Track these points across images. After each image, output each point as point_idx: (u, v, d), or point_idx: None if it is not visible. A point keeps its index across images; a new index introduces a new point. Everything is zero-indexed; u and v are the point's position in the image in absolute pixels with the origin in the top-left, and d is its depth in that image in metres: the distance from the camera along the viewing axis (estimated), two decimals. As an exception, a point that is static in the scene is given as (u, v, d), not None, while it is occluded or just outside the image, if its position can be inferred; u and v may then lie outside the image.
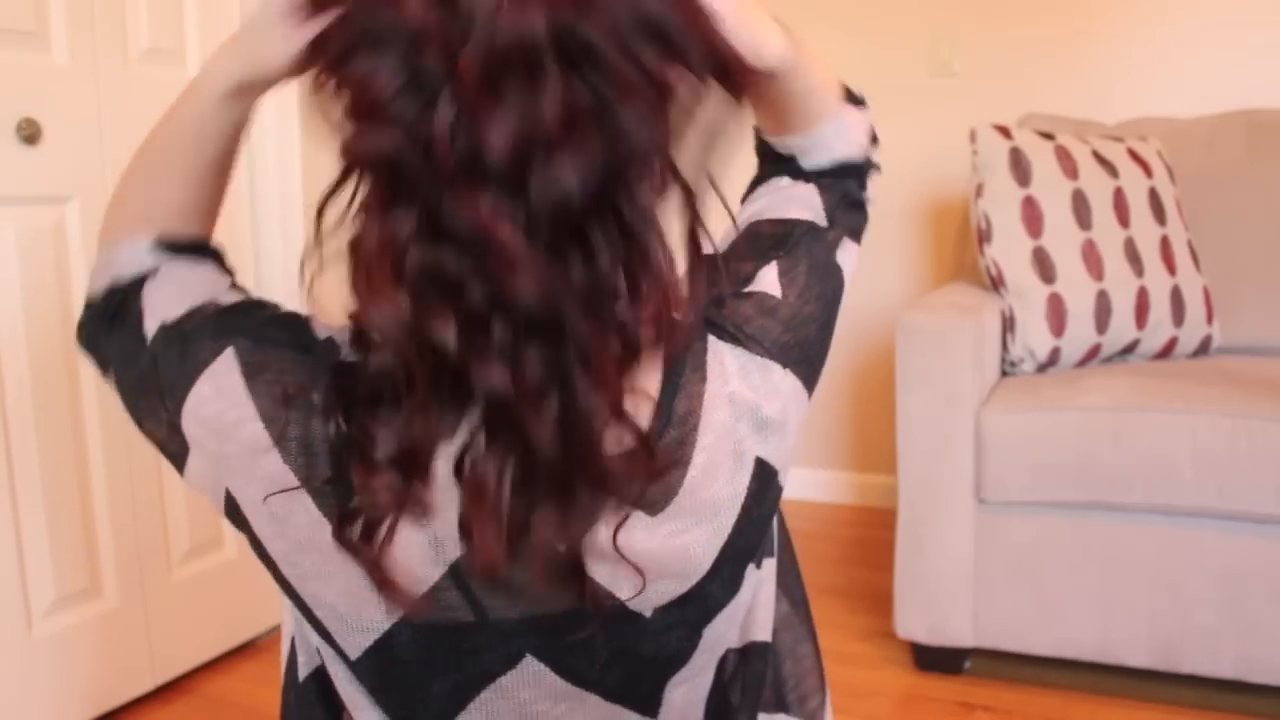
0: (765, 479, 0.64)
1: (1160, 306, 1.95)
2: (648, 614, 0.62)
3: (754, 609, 0.71)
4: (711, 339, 0.64)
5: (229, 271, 0.73)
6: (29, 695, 1.63)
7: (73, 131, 1.67)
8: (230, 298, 0.67)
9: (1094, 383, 1.77)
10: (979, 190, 1.97)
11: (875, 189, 0.80)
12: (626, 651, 0.63)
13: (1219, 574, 1.66)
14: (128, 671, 1.80)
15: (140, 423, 0.66)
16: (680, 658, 0.65)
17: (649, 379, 0.61)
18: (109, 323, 0.68)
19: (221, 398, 0.60)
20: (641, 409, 0.60)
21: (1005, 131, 1.97)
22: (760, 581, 0.71)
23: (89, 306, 0.70)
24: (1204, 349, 2.03)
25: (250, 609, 2.06)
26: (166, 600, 1.86)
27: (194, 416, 0.61)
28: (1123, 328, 1.93)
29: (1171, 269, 1.98)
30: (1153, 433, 1.65)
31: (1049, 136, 1.99)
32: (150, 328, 0.65)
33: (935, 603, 1.80)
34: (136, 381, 0.65)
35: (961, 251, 2.43)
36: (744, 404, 0.63)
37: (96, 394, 1.72)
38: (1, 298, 1.58)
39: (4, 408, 1.59)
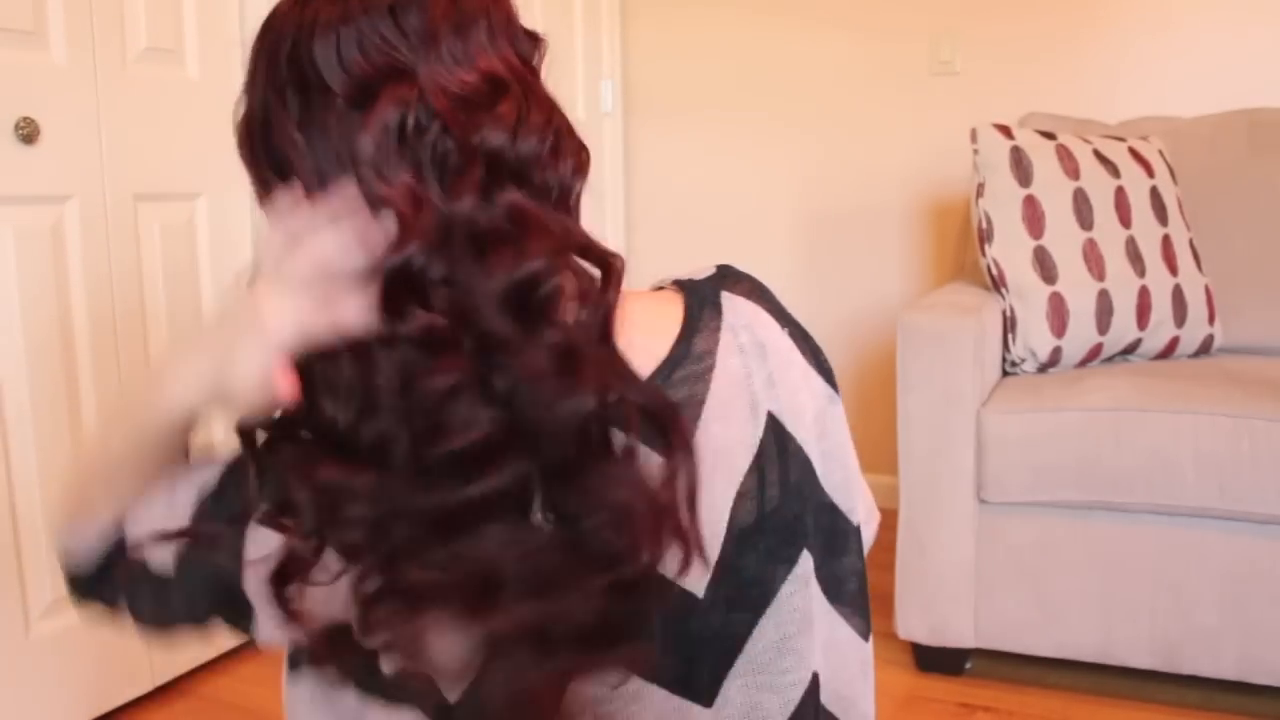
0: (781, 439, 0.65)
1: (1162, 306, 1.95)
2: (699, 593, 0.62)
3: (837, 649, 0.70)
4: (728, 295, 0.68)
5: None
6: (28, 696, 1.63)
7: (71, 131, 1.66)
8: (205, 479, 0.68)
9: (1095, 383, 1.76)
10: (980, 190, 1.97)
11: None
12: (681, 636, 0.63)
13: (1221, 574, 1.65)
14: (127, 672, 1.79)
15: (200, 623, 0.68)
16: (732, 642, 0.64)
17: (669, 316, 0.66)
18: (107, 576, 0.68)
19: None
20: (658, 344, 0.64)
21: (1006, 131, 1.97)
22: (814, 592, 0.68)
23: (74, 579, 0.69)
24: (1206, 349, 2.03)
25: (250, 609, 2.06)
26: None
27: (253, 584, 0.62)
28: (1124, 327, 1.93)
29: (1173, 269, 1.98)
30: (1154, 433, 1.65)
31: (1050, 136, 1.99)
32: (160, 558, 0.66)
33: (936, 603, 1.80)
34: (182, 601, 0.66)
35: (962, 251, 2.43)
36: (754, 355, 0.66)
37: (95, 394, 1.72)
38: (0, 297, 1.58)
39: (2, 408, 1.58)
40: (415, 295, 0.55)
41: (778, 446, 0.65)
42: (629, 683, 0.62)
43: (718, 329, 0.66)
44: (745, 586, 0.64)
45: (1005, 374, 1.97)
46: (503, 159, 0.57)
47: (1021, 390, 1.80)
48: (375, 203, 0.55)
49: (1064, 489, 1.71)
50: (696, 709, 0.64)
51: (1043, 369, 1.93)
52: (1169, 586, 1.68)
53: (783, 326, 0.69)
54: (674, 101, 2.86)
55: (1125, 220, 1.96)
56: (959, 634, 1.80)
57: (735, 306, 0.68)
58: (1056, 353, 1.91)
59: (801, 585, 0.67)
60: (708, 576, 0.62)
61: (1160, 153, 2.07)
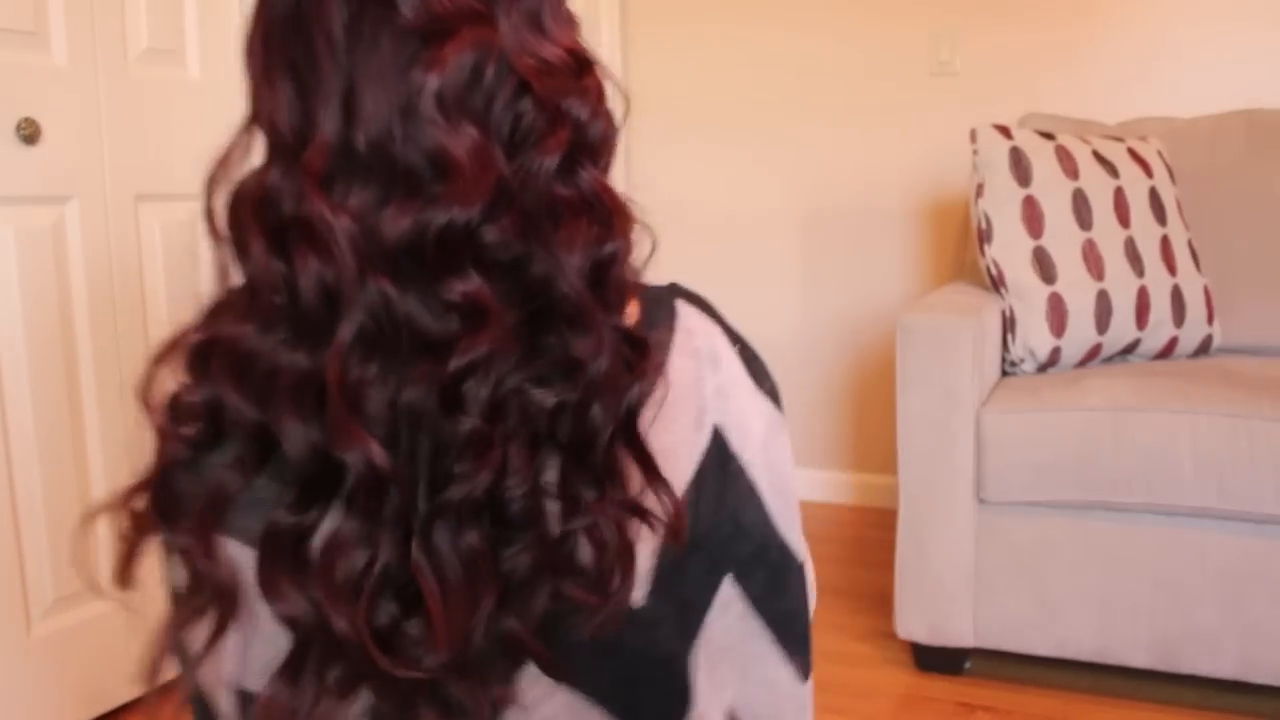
0: (723, 456, 0.60)
1: (1161, 306, 1.95)
2: (637, 603, 0.56)
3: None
4: (682, 303, 0.63)
5: None
6: (28, 696, 1.63)
7: (72, 131, 1.67)
8: None
9: (1094, 383, 1.77)
10: (979, 190, 1.97)
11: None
12: (615, 644, 0.57)
13: (1219, 574, 1.66)
14: (127, 672, 1.79)
15: None
16: (679, 673, 0.59)
17: (628, 314, 0.61)
18: None
19: None
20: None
21: (1005, 131, 1.97)
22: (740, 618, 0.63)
23: None
24: (1205, 349, 2.03)
25: (250, 609, 2.06)
26: (167, 600, 1.85)
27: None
28: (1123, 327, 1.93)
29: (1172, 269, 1.98)
30: (1153, 433, 1.65)
31: (1049, 136, 1.99)
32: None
33: (935, 603, 1.80)
34: None
35: (961, 251, 2.43)
36: (708, 362, 0.61)
37: (96, 394, 1.72)
38: (1, 297, 1.58)
39: (3, 408, 1.58)
40: (471, 257, 0.50)
41: (718, 464, 0.60)
42: (557, 694, 0.57)
43: (673, 329, 0.61)
44: (683, 610, 0.59)
45: (1004, 374, 1.97)
46: (585, 136, 0.54)
47: (1021, 390, 1.80)
48: (434, 153, 0.50)
49: (1063, 489, 1.71)
50: None
51: (1042, 369, 1.94)
52: (1168, 586, 1.69)
53: (736, 346, 0.64)
54: (674, 102, 2.86)
55: (1124, 220, 1.96)
56: (958, 633, 1.80)
57: (690, 313, 0.63)
58: (1056, 353, 1.91)
59: (722, 611, 0.61)
60: (645, 588, 0.57)
61: (1159, 153, 2.07)
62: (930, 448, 1.77)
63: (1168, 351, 2.00)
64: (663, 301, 0.62)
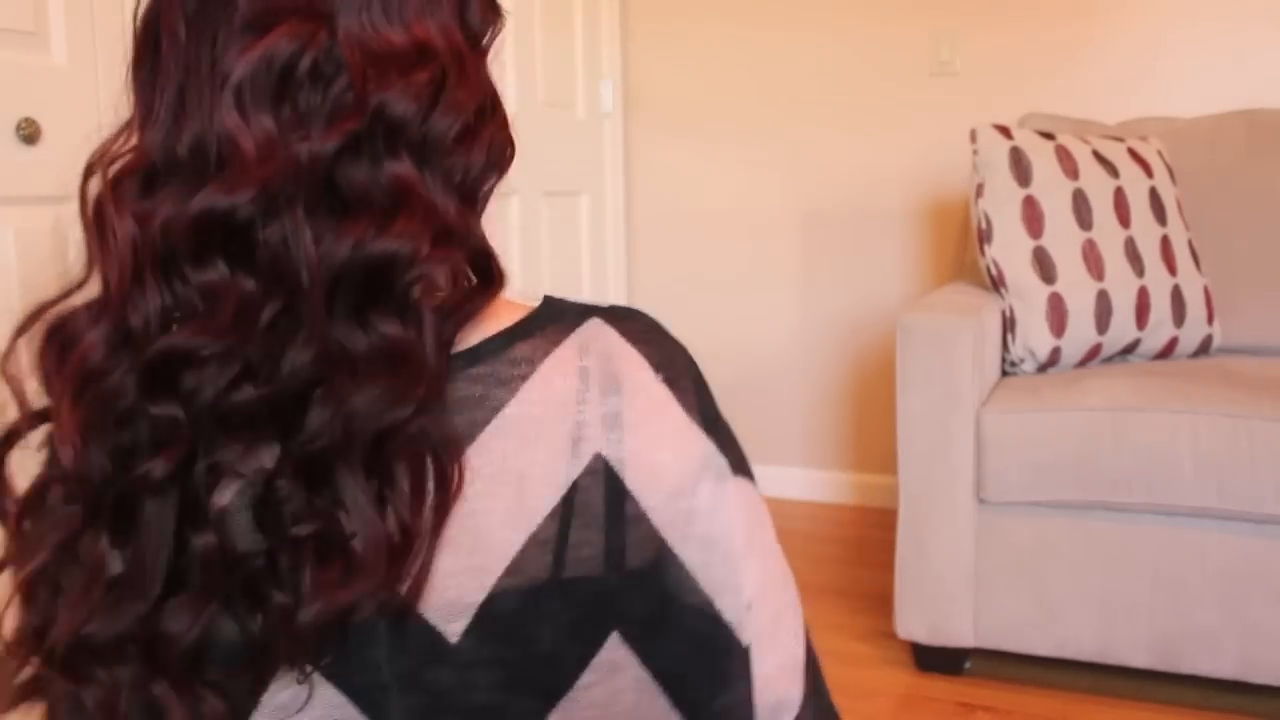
0: (616, 495, 0.53)
1: (1161, 306, 1.95)
2: (450, 636, 0.51)
3: None
4: (598, 321, 0.57)
5: None
6: (28, 695, 1.63)
7: (72, 131, 1.67)
8: None
9: (1094, 383, 1.77)
10: (979, 190, 1.97)
11: None
12: (422, 681, 0.51)
13: (1219, 574, 1.66)
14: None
15: None
16: (518, 690, 0.52)
17: (505, 319, 0.56)
18: None
19: None
20: (469, 331, 0.55)
21: (1005, 131, 1.97)
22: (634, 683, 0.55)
23: None
24: (1204, 349, 2.03)
25: (250, 609, 2.06)
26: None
27: None
28: (1123, 327, 1.93)
29: (1172, 269, 1.98)
30: (1153, 433, 1.65)
31: (1049, 136, 1.99)
32: None
33: (935, 603, 1.80)
34: None
35: (961, 251, 2.43)
36: (600, 386, 0.54)
37: (96, 394, 1.72)
38: (1, 297, 1.58)
39: (3, 407, 1.58)
40: (228, 247, 0.49)
41: (608, 502, 0.53)
42: (344, 708, 0.52)
43: (555, 343, 0.55)
44: (535, 663, 0.52)
45: (1004, 374, 1.97)
46: (405, 130, 0.51)
47: (1021, 390, 1.80)
48: (223, 137, 0.49)
49: (1063, 489, 1.71)
50: None
51: (1042, 369, 1.94)
52: (1168, 586, 1.69)
53: (666, 376, 0.56)
54: (674, 101, 2.86)
55: (1124, 220, 1.96)
56: (958, 633, 1.80)
57: (599, 331, 0.56)
58: (1056, 353, 1.91)
59: (605, 675, 0.53)
60: (466, 620, 0.51)
61: (1159, 153, 2.07)
62: (930, 448, 1.77)
63: (1168, 351, 2.00)
64: (562, 315, 0.57)
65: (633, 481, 0.54)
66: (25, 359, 0.55)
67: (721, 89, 2.80)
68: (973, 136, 1.98)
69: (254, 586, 0.49)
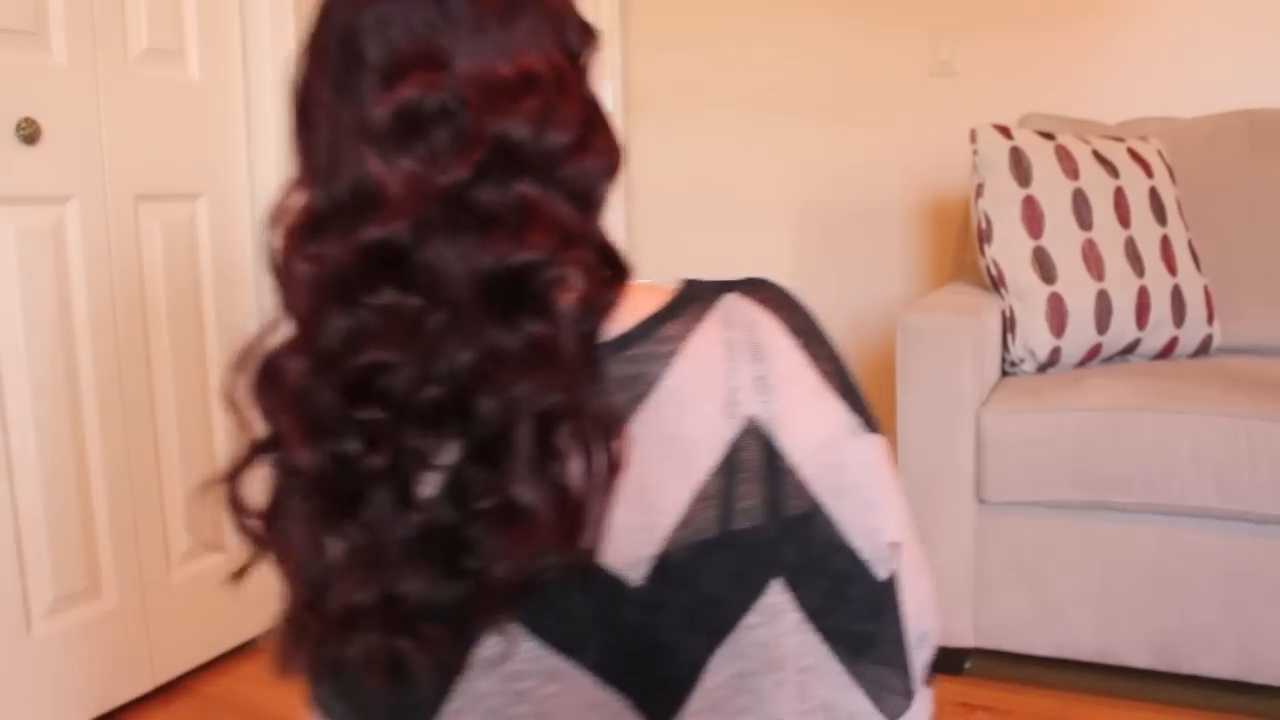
0: (769, 453, 0.60)
1: (1161, 306, 1.95)
2: (633, 580, 0.59)
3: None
4: (735, 295, 0.64)
5: None
6: (28, 695, 1.63)
7: (72, 131, 1.67)
8: None
9: (1094, 383, 1.77)
10: (979, 190, 1.97)
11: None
12: (610, 624, 0.59)
13: (1219, 574, 1.66)
14: (127, 671, 1.80)
15: None
16: (688, 670, 0.60)
17: (650, 305, 0.63)
18: None
19: None
20: (621, 318, 0.61)
21: (1005, 131, 1.97)
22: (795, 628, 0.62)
23: None
24: (1204, 349, 2.03)
25: (250, 609, 2.06)
26: (166, 600, 1.86)
27: None
28: (1123, 328, 1.93)
29: (1172, 269, 1.98)
30: (1153, 433, 1.65)
31: (1049, 136, 1.99)
32: None
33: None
34: None
35: (961, 251, 2.43)
36: (745, 354, 0.62)
37: (96, 394, 1.72)
38: (1, 297, 1.58)
39: (4, 408, 1.58)
40: (393, 274, 0.57)
41: (765, 459, 0.60)
42: (545, 659, 0.60)
43: (698, 319, 0.63)
44: (703, 605, 0.60)
45: (1004, 374, 1.97)
46: (522, 151, 0.58)
47: (1021, 390, 1.80)
48: (370, 180, 0.56)
49: (1063, 489, 1.71)
50: None
51: (1042, 369, 1.94)
52: (1168, 586, 1.69)
53: (802, 341, 0.64)
54: (674, 102, 2.86)
55: (1124, 220, 1.96)
56: (958, 633, 1.80)
57: (737, 305, 0.64)
58: (1056, 353, 1.91)
59: (769, 618, 0.61)
60: (644, 568, 0.59)
61: (1159, 153, 2.07)
62: (930, 448, 1.77)
63: (1168, 351, 2.00)
64: (701, 295, 0.64)
65: (782, 439, 0.61)
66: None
67: (721, 89, 2.80)
68: (973, 136, 1.98)
69: (452, 555, 0.57)
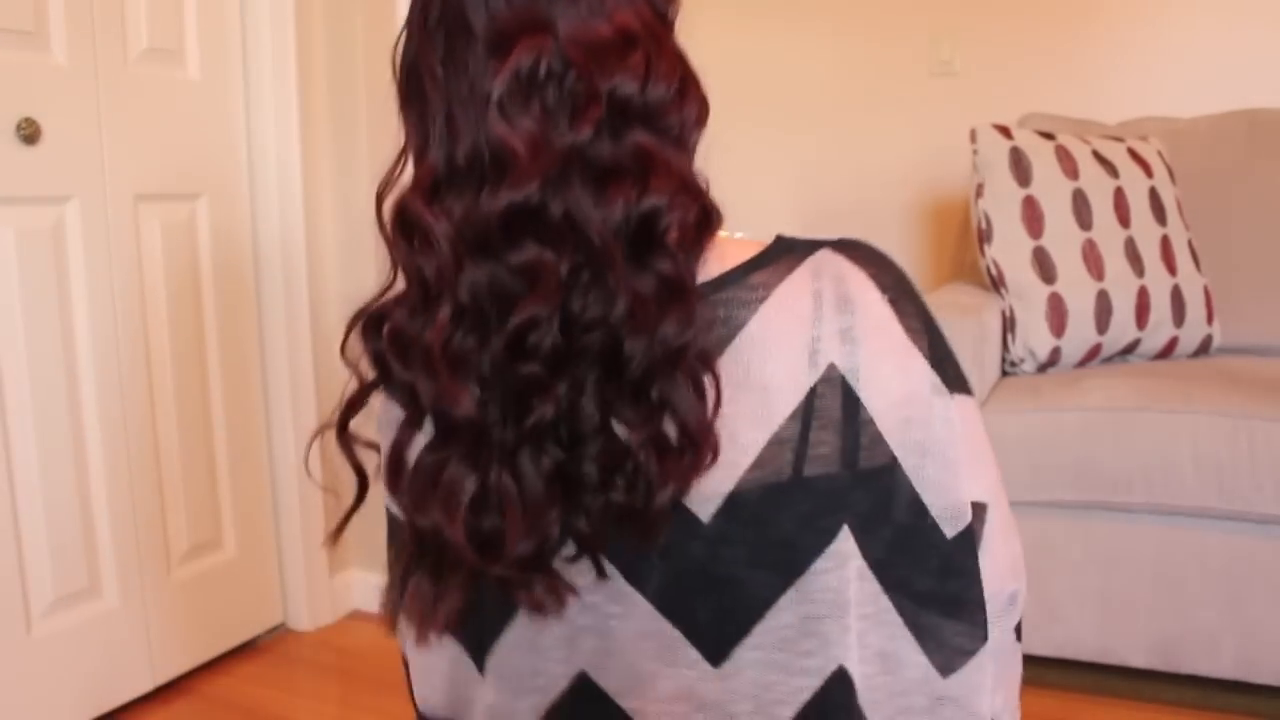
0: (849, 402, 0.62)
1: (1161, 306, 1.95)
2: (704, 516, 0.61)
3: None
4: (827, 251, 0.66)
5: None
6: (29, 695, 1.63)
7: (72, 131, 1.67)
8: None
9: (1094, 383, 1.77)
10: (979, 190, 1.97)
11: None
12: (679, 552, 0.62)
13: (1219, 574, 1.66)
14: (127, 671, 1.80)
15: None
16: (754, 603, 0.62)
17: (742, 255, 0.66)
18: None
19: None
20: (711, 265, 0.64)
21: (1005, 131, 1.97)
22: (863, 577, 0.64)
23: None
24: (1204, 349, 2.03)
25: (250, 609, 2.06)
26: (166, 600, 1.86)
27: None
28: (1123, 328, 1.93)
29: (1172, 269, 1.98)
30: (1153, 433, 1.65)
31: (1049, 136, 1.99)
32: None
33: (935, 603, 1.80)
34: None
35: (961, 251, 2.43)
36: (832, 304, 0.63)
37: (96, 393, 1.72)
38: (1, 297, 1.58)
39: (3, 408, 1.58)
40: (531, 229, 0.59)
41: (844, 408, 0.62)
42: (613, 581, 0.63)
43: (789, 270, 0.65)
44: (774, 546, 0.62)
45: (1004, 374, 1.97)
46: (631, 105, 0.61)
47: (1021, 390, 1.80)
48: (497, 143, 0.59)
49: (1063, 489, 1.71)
50: (696, 656, 0.63)
51: (1042, 369, 1.94)
52: (1168, 586, 1.69)
53: (890, 297, 0.65)
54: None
55: (1124, 220, 1.96)
56: (958, 633, 1.80)
57: (829, 259, 0.66)
58: (1055, 353, 1.91)
59: (838, 564, 0.62)
60: (716, 504, 0.61)
61: (1159, 153, 2.07)
62: (930, 448, 1.77)
63: (1168, 351, 2.00)
64: (793, 248, 0.66)
65: (863, 389, 0.62)
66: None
67: (720, 89, 2.79)
68: (973, 136, 1.98)
69: (589, 490, 0.60)
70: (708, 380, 0.60)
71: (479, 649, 0.69)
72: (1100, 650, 1.74)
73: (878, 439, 0.63)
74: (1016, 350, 1.93)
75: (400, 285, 0.65)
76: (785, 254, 0.66)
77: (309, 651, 2.06)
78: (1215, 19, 2.34)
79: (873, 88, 2.65)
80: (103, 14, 1.70)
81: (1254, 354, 2.02)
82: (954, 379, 0.67)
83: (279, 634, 2.12)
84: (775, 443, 0.61)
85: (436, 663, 0.73)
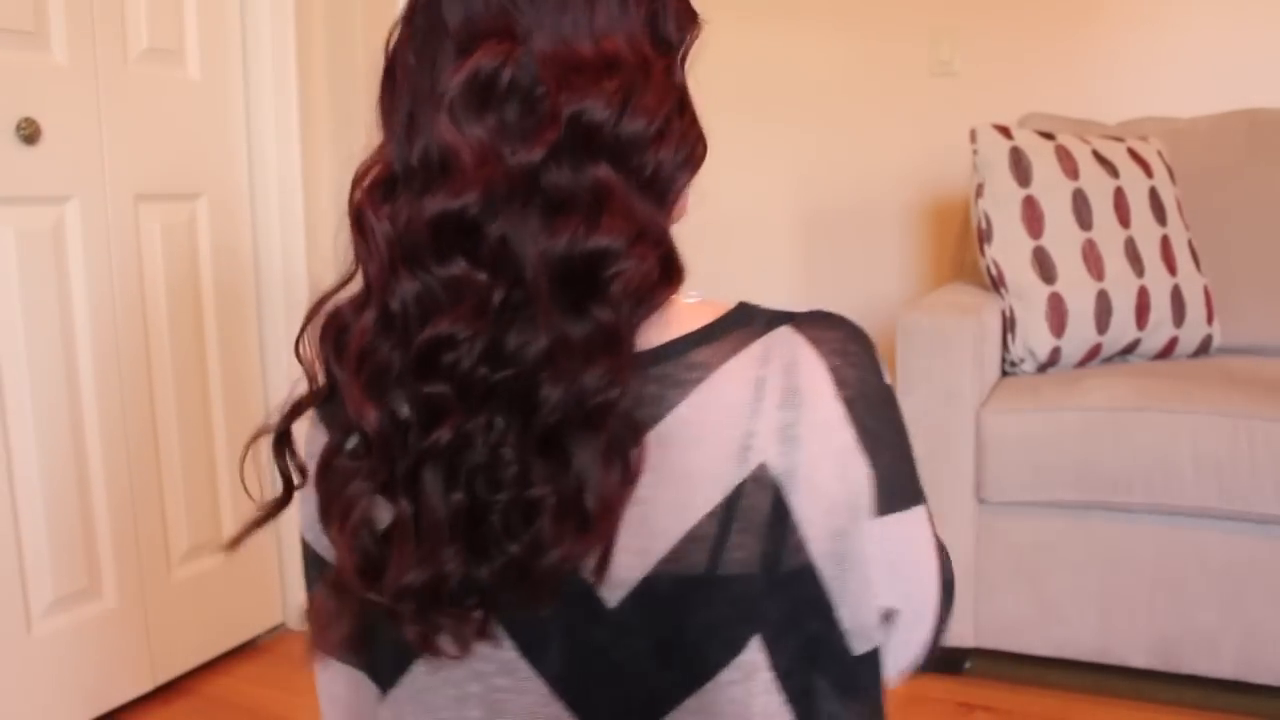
0: (779, 506, 0.57)
1: (1161, 306, 1.95)
2: (609, 601, 0.57)
3: None
4: (788, 330, 0.60)
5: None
6: (29, 695, 1.63)
7: (72, 131, 1.67)
8: None
9: (1094, 383, 1.76)
10: (979, 190, 1.97)
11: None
12: (581, 635, 0.58)
13: (1219, 574, 1.66)
14: (127, 671, 1.80)
15: None
16: (648, 695, 0.59)
17: (692, 323, 0.61)
18: None
19: None
20: (653, 332, 0.59)
21: (1005, 131, 1.97)
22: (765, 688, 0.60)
23: None
24: (1204, 349, 2.03)
25: (250, 609, 2.06)
26: (166, 600, 1.86)
27: None
28: (1123, 327, 1.93)
29: (1172, 269, 1.98)
30: (1153, 433, 1.65)
31: (1049, 136, 1.99)
32: None
33: (935, 603, 1.80)
34: None
35: (961, 251, 2.43)
36: (777, 397, 0.58)
37: (96, 393, 1.72)
38: (1, 297, 1.58)
39: (3, 408, 1.58)
40: (462, 245, 0.56)
41: (772, 510, 0.57)
42: (505, 652, 0.60)
43: (736, 349, 0.59)
44: (682, 646, 0.58)
45: (1004, 374, 1.97)
46: (599, 134, 0.56)
47: (1021, 390, 1.80)
48: (443, 147, 0.56)
49: (1063, 489, 1.71)
50: None
51: (1042, 369, 1.94)
52: (1168, 586, 1.69)
53: (847, 394, 0.59)
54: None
55: (1124, 220, 1.96)
56: (958, 633, 1.80)
57: (785, 341, 0.60)
58: (1055, 353, 1.91)
59: (745, 675, 0.59)
60: (624, 591, 0.57)
61: (1159, 153, 2.07)
62: (930, 448, 1.77)
63: (1168, 351, 2.00)
64: (751, 322, 0.61)
65: (796, 494, 0.57)
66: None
67: (720, 88, 2.80)
68: (973, 136, 1.98)
69: (492, 539, 0.56)
70: (633, 455, 0.56)
71: (382, 683, 0.66)
72: (1100, 650, 1.74)
73: (801, 546, 0.58)
74: (1016, 350, 1.93)
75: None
76: (738, 328, 0.60)
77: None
78: (1215, 19, 2.34)
79: (873, 88, 2.65)
80: (103, 14, 1.70)
81: (1254, 354, 2.02)
82: (901, 493, 0.62)
83: (279, 634, 2.12)
84: (691, 539, 0.57)
85: (337, 687, 0.71)
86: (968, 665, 1.87)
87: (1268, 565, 1.63)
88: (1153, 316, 1.95)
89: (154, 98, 1.81)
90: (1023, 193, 1.93)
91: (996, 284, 1.95)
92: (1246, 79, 2.31)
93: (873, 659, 0.63)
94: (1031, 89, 2.47)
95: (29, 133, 1.58)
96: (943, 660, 1.85)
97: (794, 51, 2.71)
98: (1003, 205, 1.93)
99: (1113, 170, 1.98)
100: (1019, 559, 1.76)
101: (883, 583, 0.62)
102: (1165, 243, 1.99)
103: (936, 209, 2.63)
